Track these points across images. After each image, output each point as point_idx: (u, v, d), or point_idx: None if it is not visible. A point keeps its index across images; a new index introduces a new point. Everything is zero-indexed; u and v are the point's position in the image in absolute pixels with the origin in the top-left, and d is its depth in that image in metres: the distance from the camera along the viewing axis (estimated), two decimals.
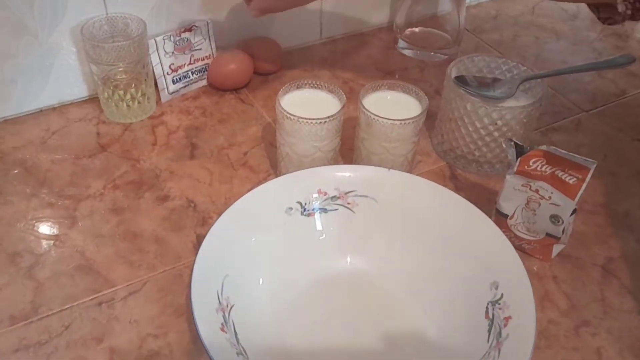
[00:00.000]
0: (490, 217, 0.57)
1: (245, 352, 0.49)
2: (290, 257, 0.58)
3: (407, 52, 0.93)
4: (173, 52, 0.78)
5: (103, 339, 0.53)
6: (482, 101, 0.67)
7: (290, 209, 0.59)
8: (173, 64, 0.79)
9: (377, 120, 0.62)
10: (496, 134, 0.67)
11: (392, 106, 0.65)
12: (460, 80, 0.69)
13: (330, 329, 0.55)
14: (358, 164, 0.68)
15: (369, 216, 0.60)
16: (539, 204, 0.58)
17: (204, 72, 0.82)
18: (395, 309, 0.56)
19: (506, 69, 0.72)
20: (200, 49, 0.81)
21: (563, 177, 0.56)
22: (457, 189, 0.69)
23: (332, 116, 0.62)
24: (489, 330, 0.50)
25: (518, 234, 0.61)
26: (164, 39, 0.77)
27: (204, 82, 0.83)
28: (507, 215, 0.61)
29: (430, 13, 0.93)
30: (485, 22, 1.02)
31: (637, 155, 0.76)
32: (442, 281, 0.56)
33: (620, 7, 0.58)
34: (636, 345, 0.55)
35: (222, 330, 0.48)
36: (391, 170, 0.61)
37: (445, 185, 0.61)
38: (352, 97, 0.67)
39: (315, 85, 0.66)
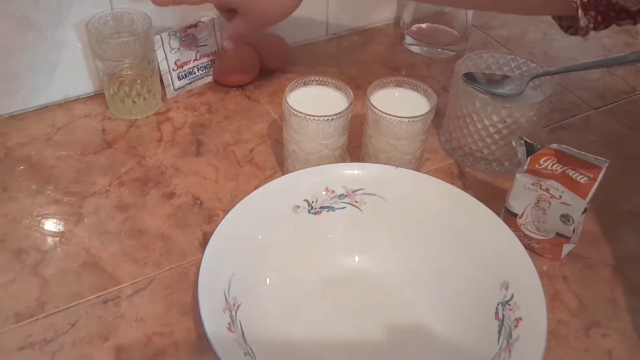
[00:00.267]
0: (499, 216, 0.57)
1: (252, 352, 0.48)
2: (298, 255, 0.58)
3: (414, 49, 0.92)
4: (179, 48, 0.78)
5: (109, 337, 0.53)
6: (491, 98, 0.66)
7: (298, 207, 0.59)
8: (179, 60, 0.78)
9: (385, 117, 0.62)
10: (505, 131, 0.67)
11: (400, 103, 0.64)
12: (469, 77, 0.68)
13: (338, 329, 0.54)
14: (365, 161, 0.67)
15: (377, 215, 0.60)
16: (549, 203, 0.58)
17: (209, 68, 0.82)
18: (403, 309, 0.56)
19: (515, 65, 0.71)
20: (206, 45, 0.80)
21: (574, 176, 0.55)
22: (465, 187, 0.68)
23: (339, 113, 0.61)
24: (499, 332, 0.50)
25: (527, 233, 0.61)
26: (169, 35, 0.76)
27: (209, 79, 0.83)
28: (517, 214, 0.60)
29: (437, 9, 0.93)
30: (492, 18, 1.01)
31: None
32: (450, 281, 0.56)
33: (583, 22, 0.58)
34: None
35: (230, 330, 0.48)
36: (399, 168, 0.60)
37: (453, 184, 0.60)
38: (358, 94, 0.66)
39: (322, 82, 0.65)
